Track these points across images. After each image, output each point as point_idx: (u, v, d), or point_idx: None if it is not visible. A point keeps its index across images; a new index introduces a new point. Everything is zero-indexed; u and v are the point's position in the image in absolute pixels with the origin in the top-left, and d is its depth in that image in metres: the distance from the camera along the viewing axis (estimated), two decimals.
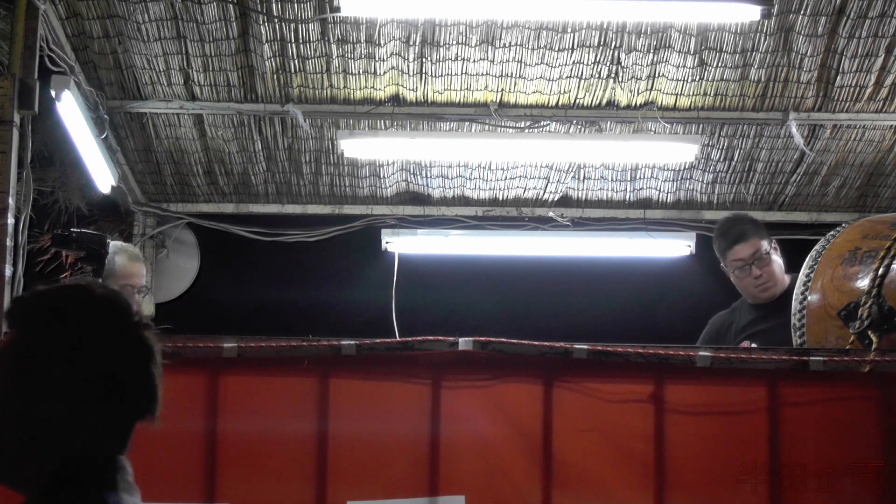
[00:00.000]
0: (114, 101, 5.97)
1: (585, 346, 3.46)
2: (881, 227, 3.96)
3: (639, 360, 3.46)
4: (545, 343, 3.46)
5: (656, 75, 5.94)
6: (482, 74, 5.94)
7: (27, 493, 1.86)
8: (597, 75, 5.94)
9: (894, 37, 5.68)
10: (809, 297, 3.94)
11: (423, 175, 6.73)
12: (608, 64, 5.87)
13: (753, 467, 3.42)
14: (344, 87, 6.01)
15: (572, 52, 5.80)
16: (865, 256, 3.80)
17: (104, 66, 5.79)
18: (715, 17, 5.48)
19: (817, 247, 4.07)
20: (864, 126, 6.26)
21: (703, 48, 5.79)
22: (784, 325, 4.10)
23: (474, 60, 5.86)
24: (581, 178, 6.75)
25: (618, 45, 5.77)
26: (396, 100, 6.10)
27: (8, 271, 4.14)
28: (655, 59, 5.84)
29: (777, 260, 4.88)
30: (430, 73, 5.93)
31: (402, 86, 6.01)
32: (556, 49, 5.78)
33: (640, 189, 6.81)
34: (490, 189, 6.84)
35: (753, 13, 5.14)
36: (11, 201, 4.18)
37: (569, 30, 5.69)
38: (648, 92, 6.05)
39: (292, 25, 5.61)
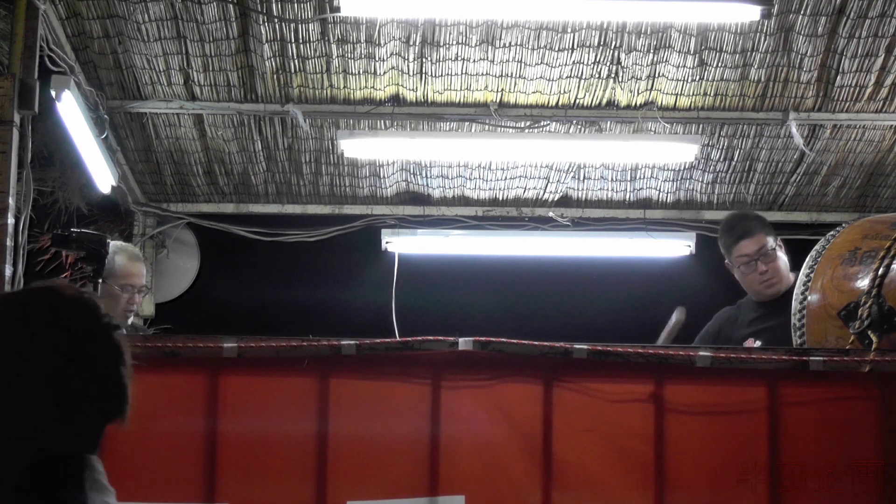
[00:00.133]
0: (114, 101, 5.97)
1: (585, 346, 3.45)
2: (881, 227, 3.96)
3: (639, 360, 3.46)
4: (545, 343, 3.45)
5: (656, 75, 5.94)
6: (482, 74, 5.94)
7: None
8: (597, 75, 5.94)
9: (894, 37, 5.68)
10: (809, 297, 3.93)
11: (423, 175, 6.73)
12: (608, 64, 5.87)
13: (753, 467, 3.41)
14: (344, 87, 6.01)
15: (572, 52, 5.80)
16: (865, 256, 3.80)
17: (104, 66, 5.79)
18: (715, 17, 5.48)
19: (817, 247, 4.06)
20: (864, 126, 6.26)
21: (703, 48, 5.79)
22: (789, 323, 4.09)
23: (474, 60, 5.86)
24: (581, 178, 6.75)
25: (618, 45, 5.77)
26: (396, 100, 6.10)
27: (8, 271, 4.14)
28: (655, 59, 5.84)
29: (782, 257, 4.88)
30: (430, 73, 5.93)
31: (402, 86, 6.01)
32: (556, 49, 5.78)
33: (640, 189, 6.81)
34: (490, 189, 6.84)
35: (753, 13, 5.14)
36: (11, 201, 4.18)
37: (569, 30, 5.69)
38: (648, 92, 6.05)
39: (292, 25, 5.61)
